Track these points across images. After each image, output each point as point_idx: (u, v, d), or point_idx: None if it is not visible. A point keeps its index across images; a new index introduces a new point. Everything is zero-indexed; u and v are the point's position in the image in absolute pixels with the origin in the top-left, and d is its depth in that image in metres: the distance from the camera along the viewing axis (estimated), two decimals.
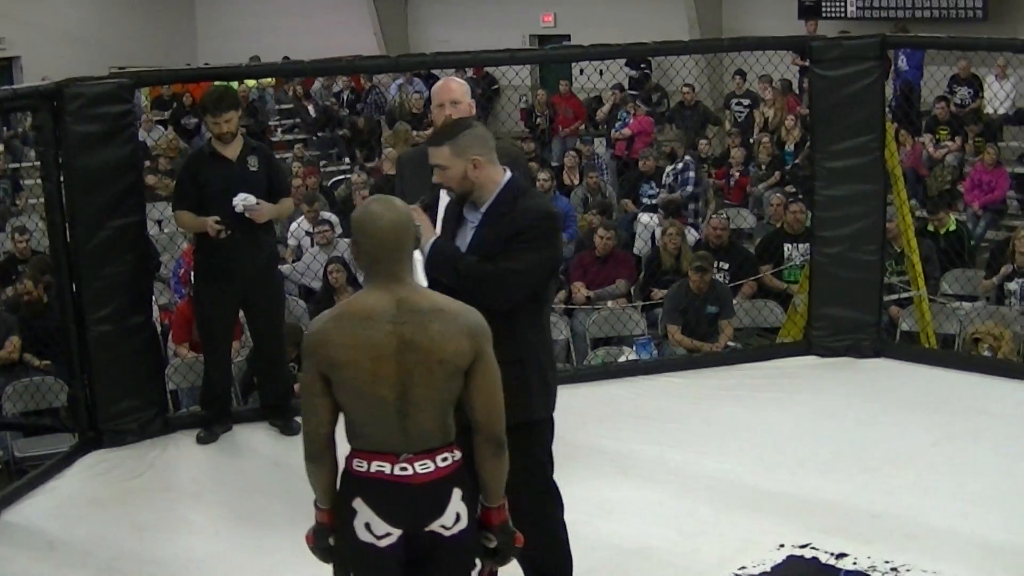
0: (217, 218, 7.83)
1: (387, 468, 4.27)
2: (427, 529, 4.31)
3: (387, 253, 4.27)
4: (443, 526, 4.32)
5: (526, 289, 5.14)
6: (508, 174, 5.24)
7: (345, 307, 4.33)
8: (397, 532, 4.29)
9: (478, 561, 4.45)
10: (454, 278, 5.05)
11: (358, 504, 4.30)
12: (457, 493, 4.34)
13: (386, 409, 4.24)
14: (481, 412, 4.35)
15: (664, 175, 15.84)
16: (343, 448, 4.41)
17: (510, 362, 4.70)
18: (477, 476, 4.44)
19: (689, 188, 15.60)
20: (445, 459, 4.33)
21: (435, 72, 20.46)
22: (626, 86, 21.00)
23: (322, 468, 4.37)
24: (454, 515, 4.33)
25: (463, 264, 5.08)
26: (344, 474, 4.38)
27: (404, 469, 4.26)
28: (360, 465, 4.30)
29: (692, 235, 13.50)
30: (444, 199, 5.52)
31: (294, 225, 14.08)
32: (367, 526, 4.29)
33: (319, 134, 22.73)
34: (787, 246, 12.16)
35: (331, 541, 4.45)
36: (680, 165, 15.98)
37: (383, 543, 4.29)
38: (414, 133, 18.30)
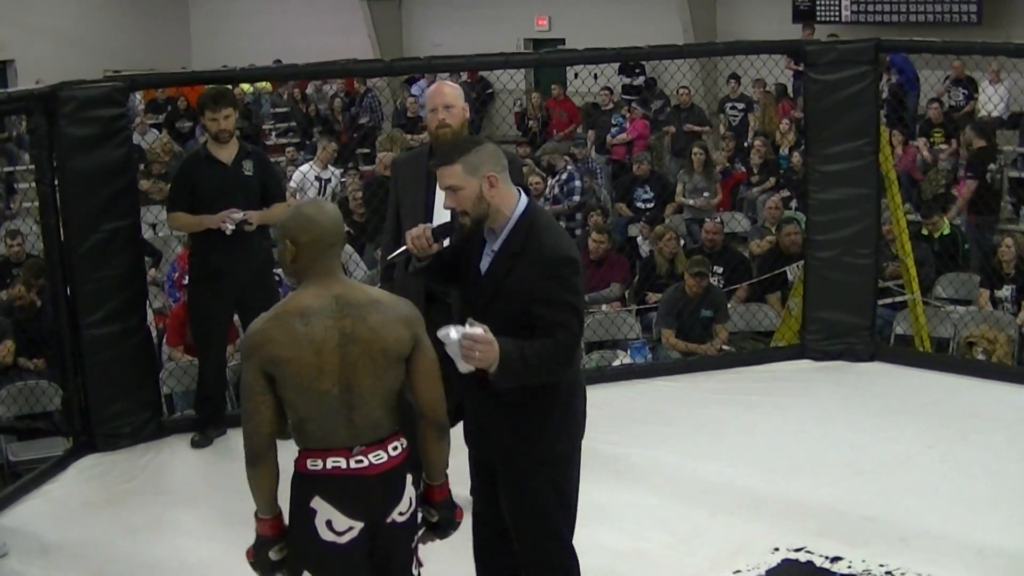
0: (224, 216, 7.87)
1: (343, 463, 4.37)
2: (388, 520, 4.43)
3: (326, 250, 4.41)
4: (400, 513, 4.47)
5: (576, 345, 4.95)
6: (523, 199, 4.95)
7: (283, 306, 4.43)
8: (359, 525, 4.39)
9: (416, 536, 4.62)
10: (529, 376, 4.76)
11: (317, 503, 4.37)
12: (408, 479, 4.52)
13: (332, 403, 4.35)
14: (424, 396, 4.52)
15: (548, 189, 15.64)
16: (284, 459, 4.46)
17: (534, 397, 4.83)
18: (420, 456, 4.62)
19: (576, 198, 15.58)
20: (396, 448, 4.47)
21: (442, 76, 20.59)
22: (620, 91, 21.00)
23: (264, 471, 4.41)
24: (408, 500, 4.50)
25: (532, 358, 4.69)
26: (297, 477, 4.44)
27: (360, 462, 4.38)
28: (315, 464, 4.38)
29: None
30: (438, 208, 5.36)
31: None
32: (328, 524, 4.37)
33: (310, 140, 22.71)
34: (788, 270, 12.09)
35: (272, 555, 4.49)
36: (564, 176, 16.03)
37: (345, 539, 4.38)
38: (408, 137, 18.31)
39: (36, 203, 8.18)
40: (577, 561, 5.24)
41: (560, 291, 4.77)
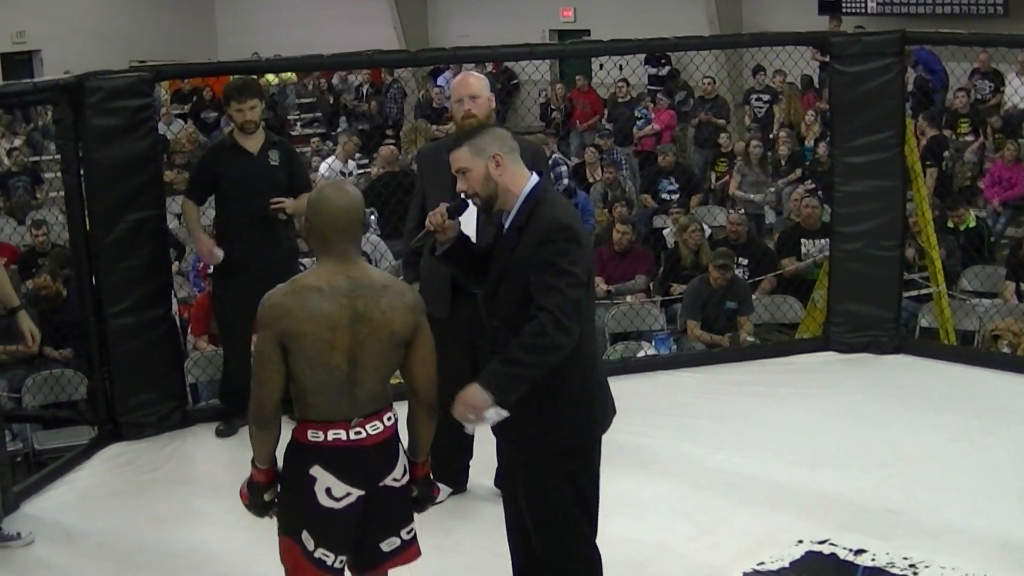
0: (221, 253, 8.03)
1: (343, 435, 4.61)
2: (382, 484, 4.69)
3: (338, 234, 4.59)
4: (394, 479, 4.73)
5: (573, 310, 4.81)
6: (533, 179, 4.99)
7: (301, 281, 4.62)
8: (357, 492, 4.64)
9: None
10: (526, 370, 4.75)
11: (316, 471, 4.60)
12: (401, 447, 4.79)
13: (339, 377, 4.57)
14: (420, 380, 4.76)
15: None
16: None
17: (543, 387, 4.82)
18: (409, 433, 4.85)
19: (565, 182, 15.45)
20: (390, 419, 4.72)
21: (468, 66, 20.59)
22: (646, 83, 20.98)
23: (269, 434, 4.66)
24: (402, 467, 4.77)
25: (517, 358, 4.73)
26: (296, 445, 4.67)
27: (359, 433, 4.63)
28: (316, 435, 4.61)
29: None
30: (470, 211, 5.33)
31: None
32: (328, 491, 4.61)
33: (336, 131, 22.75)
34: (804, 241, 12.15)
35: (265, 497, 4.75)
36: (549, 163, 15.79)
37: (342, 504, 4.62)
38: (433, 128, 18.32)
39: (62, 193, 8.19)
40: (600, 558, 5.21)
41: (552, 255, 4.80)
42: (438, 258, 5.23)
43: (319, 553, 4.65)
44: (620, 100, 20.02)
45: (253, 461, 4.73)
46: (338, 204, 4.58)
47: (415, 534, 4.86)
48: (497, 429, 4.95)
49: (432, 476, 4.94)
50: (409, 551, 4.85)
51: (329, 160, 15.57)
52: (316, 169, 16.11)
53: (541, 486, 5.01)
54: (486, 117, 6.51)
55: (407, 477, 4.78)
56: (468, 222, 5.69)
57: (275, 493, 4.76)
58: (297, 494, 4.66)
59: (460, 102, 6.54)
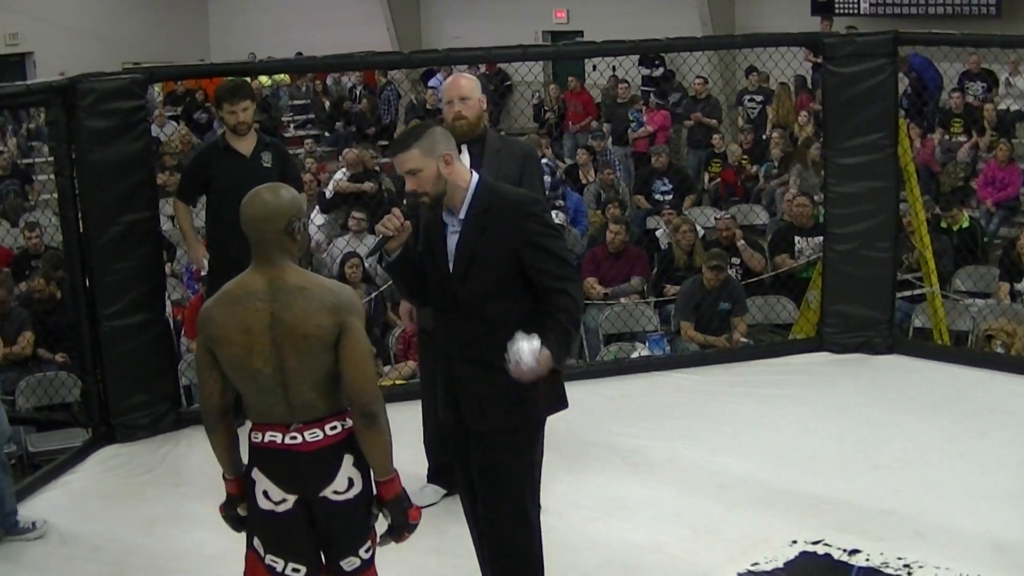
0: (207, 257, 8.12)
1: (279, 438, 4.53)
2: (320, 495, 4.54)
3: (257, 236, 4.56)
4: (335, 491, 4.56)
5: (571, 261, 5.23)
6: (475, 175, 5.14)
7: (226, 287, 4.61)
8: (292, 498, 4.55)
9: (376, 528, 4.67)
10: (572, 335, 5.11)
11: (256, 474, 4.58)
12: (348, 459, 4.57)
13: (265, 382, 4.50)
14: (351, 385, 4.52)
15: None
16: None
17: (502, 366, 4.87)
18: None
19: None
20: (334, 427, 4.56)
21: (459, 68, 20.58)
22: (639, 84, 20.99)
23: (218, 438, 4.68)
24: (346, 480, 4.57)
25: (569, 325, 5.02)
26: (249, 446, 4.63)
27: (294, 438, 4.53)
28: (256, 436, 4.59)
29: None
30: None
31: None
32: (265, 493, 4.58)
33: (329, 132, 22.75)
34: (797, 239, 12.18)
35: (240, 511, 4.73)
36: None
37: (280, 508, 4.57)
38: None
39: (54, 195, 8.19)
40: (540, 538, 5.25)
41: (543, 228, 5.05)
42: (388, 268, 5.25)
43: (269, 559, 4.61)
44: (620, 101, 20.02)
45: (222, 474, 4.74)
46: (250, 208, 4.57)
47: (373, 554, 4.69)
48: (470, 407, 5.03)
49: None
50: (367, 572, 4.69)
51: (336, 176, 15.56)
52: (308, 170, 16.14)
53: (501, 458, 5.08)
54: (477, 119, 6.52)
55: (354, 492, 4.56)
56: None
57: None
58: (248, 496, 4.65)
59: (451, 104, 6.55)
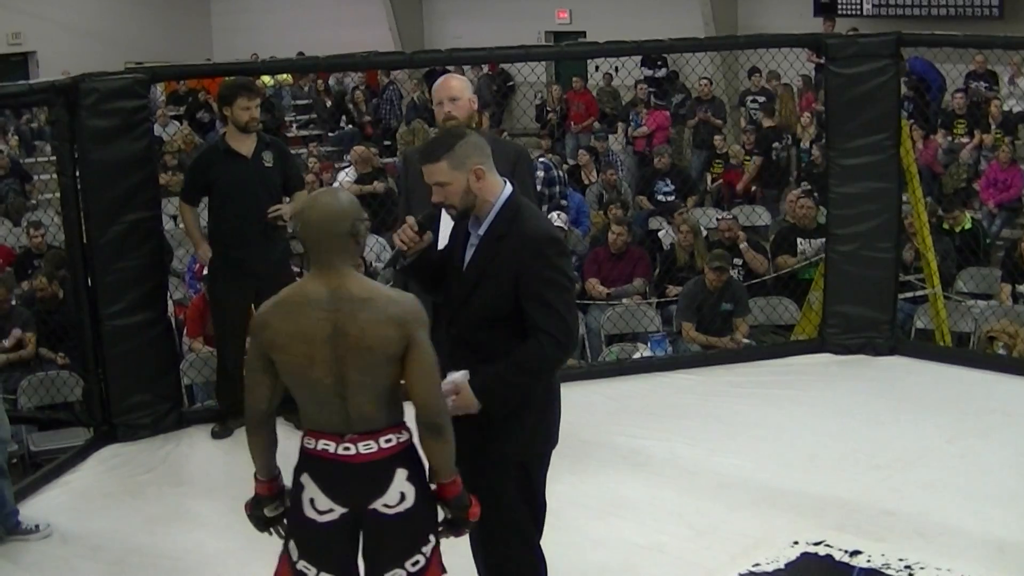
0: (209, 253, 8.11)
1: (332, 447, 4.46)
2: (370, 507, 4.47)
3: (318, 243, 4.43)
4: (386, 504, 4.48)
5: (574, 319, 4.89)
6: (508, 187, 4.93)
7: (286, 293, 4.52)
8: (340, 509, 4.48)
9: (431, 537, 4.60)
10: (520, 388, 4.83)
11: (305, 479, 4.51)
12: (402, 473, 4.49)
13: (325, 391, 4.42)
14: (418, 398, 4.46)
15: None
16: None
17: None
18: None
19: (538, 188, 15.16)
20: (389, 440, 4.48)
21: (449, 68, 20.58)
22: (632, 84, 20.98)
23: (258, 441, 4.63)
24: (398, 494, 4.48)
25: (513, 374, 4.77)
26: (300, 451, 4.57)
27: (347, 449, 4.45)
28: (309, 443, 4.52)
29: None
30: (446, 216, 5.23)
31: None
32: (311, 502, 4.50)
33: (333, 132, 22.73)
34: (800, 241, 12.18)
35: (266, 512, 4.69)
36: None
37: (323, 519, 4.50)
38: (431, 130, 18.32)
39: (56, 195, 8.19)
40: (544, 563, 5.16)
41: (548, 271, 4.78)
42: (403, 270, 5.21)
43: (301, 565, 4.55)
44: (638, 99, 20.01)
45: (255, 474, 4.69)
46: (314, 213, 4.44)
47: (423, 566, 4.58)
48: (461, 436, 4.75)
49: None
50: None
51: (341, 176, 15.52)
52: (311, 171, 16.12)
53: (495, 492, 4.93)
54: (467, 119, 6.53)
55: (404, 506, 4.48)
56: (442, 228, 5.69)
57: (278, 509, 4.68)
58: (292, 501, 4.60)
59: (440, 104, 6.56)
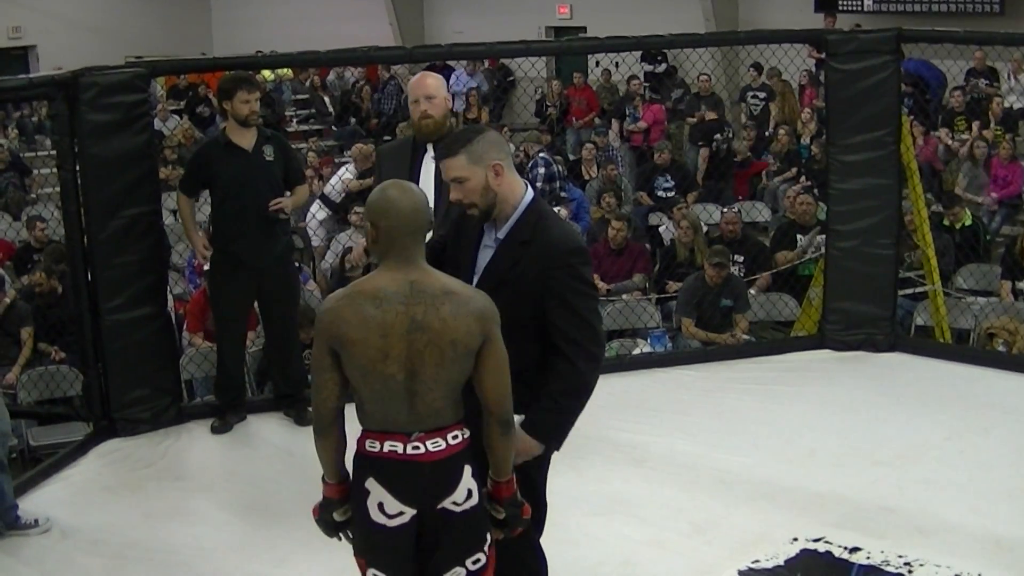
0: (207, 248, 8.09)
1: (400, 447, 4.34)
2: (439, 507, 4.38)
3: (405, 236, 4.33)
4: (454, 503, 4.40)
5: (601, 327, 4.91)
6: (529, 194, 4.82)
7: (358, 286, 4.38)
8: (410, 511, 4.36)
9: (488, 535, 4.54)
10: (576, 413, 4.80)
11: (371, 484, 4.37)
12: (468, 470, 4.43)
13: (395, 388, 4.31)
14: (491, 394, 4.40)
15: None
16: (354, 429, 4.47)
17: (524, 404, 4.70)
18: (487, 453, 4.50)
19: (538, 184, 15.10)
20: (456, 436, 4.41)
21: (450, 63, 20.57)
22: (642, 80, 21.00)
23: (328, 442, 4.46)
24: (465, 491, 4.42)
25: (565, 403, 4.76)
26: (357, 456, 4.44)
27: (416, 448, 4.34)
28: (373, 445, 4.38)
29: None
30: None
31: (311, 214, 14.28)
32: (380, 506, 4.37)
33: (336, 127, 22.71)
34: (799, 236, 12.18)
35: (336, 516, 4.54)
36: (530, 163, 15.42)
37: (394, 523, 4.37)
38: None
39: (56, 189, 8.18)
40: (545, 561, 5.14)
41: (576, 283, 4.72)
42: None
43: (371, 573, 4.46)
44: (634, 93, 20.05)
45: (323, 475, 4.55)
46: (408, 205, 4.34)
47: (484, 564, 4.53)
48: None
49: None
50: None
51: (340, 173, 15.49)
52: (311, 166, 16.10)
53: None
54: (443, 117, 6.53)
55: (470, 503, 4.43)
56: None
57: (347, 513, 4.55)
58: (355, 509, 4.46)
59: (416, 103, 6.53)
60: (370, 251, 4.48)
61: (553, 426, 4.73)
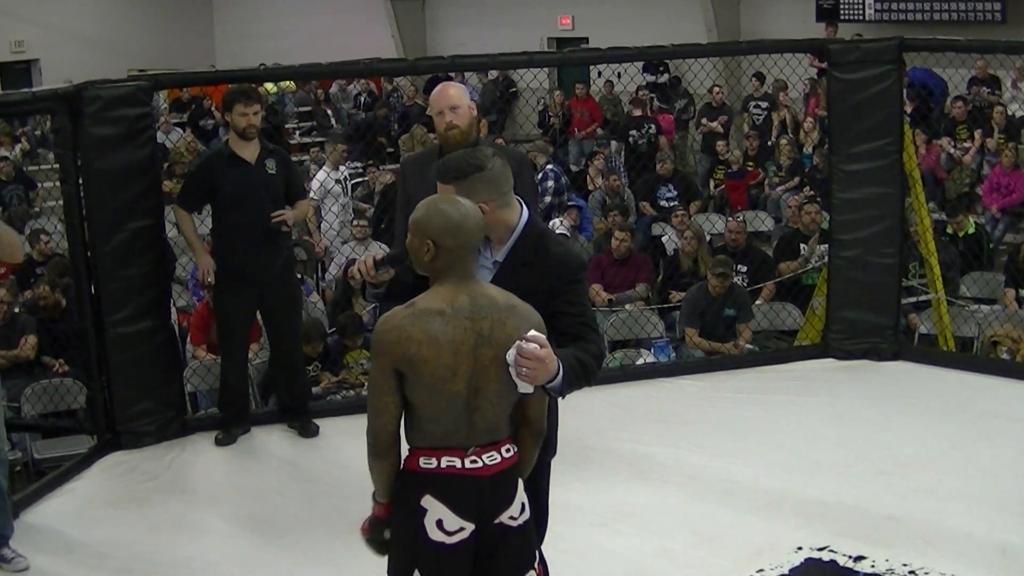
0: (214, 269, 8.06)
1: (457, 463, 4.28)
2: (496, 521, 4.33)
3: (469, 252, 4.28)
4: (511, 517, 4.35)
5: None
6: (525, 214, 4.80)
7: (421, 304, 4.27)
8: (470, 527, 4.29)
9: (537, 552, 4.52)
10: (584, 383, 4.65)
11: (428, 502, 4.28)
12: (520, 483, 4.41)
13: (457, 404, 4.25)
14: (536, 408, 4.42)
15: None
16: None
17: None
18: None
19: (547, 199, 15.05)
20: (508, 450, 4.37)
21: (451, 75, 20.57)
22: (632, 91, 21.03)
23: (386, 464, 4.35)
24: (520, 505, 4.38)
25: (590, 363, 4.64)
26: (408, 474, 4.36)
27: (474, 462, 4.28)
28: (428, 462, 4.29)
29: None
30: None
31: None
32: (439, 523, 4.27)
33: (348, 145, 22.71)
34: (803, 246, 12.17)
35: (387, 535, 4.44)
36: (540, 175, 15.25)
37: (454, 539, 4.28)
38: (431, 136, 18.31)
39: (60, 202, 8.19)
40: (547, 570, 5.13)
41: (582, 295, 4.77)
42: (371, 299, 5.12)
43: None
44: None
45: (374, 495, 4.44)
46: (474, 224, 4.28)
47: None
48: None
49: None
50: None
51: (320, 175, 15.47)
52: (312, 177, 16.12)
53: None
54: (469, 126, 6.41)
55: (524, 517, 4.38)
56: None
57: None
58: (407, 528, 4.33)
59: (441, 114, 6.41)
60: (421, 268, 4.38)
61: (570, 369, 4.52)
